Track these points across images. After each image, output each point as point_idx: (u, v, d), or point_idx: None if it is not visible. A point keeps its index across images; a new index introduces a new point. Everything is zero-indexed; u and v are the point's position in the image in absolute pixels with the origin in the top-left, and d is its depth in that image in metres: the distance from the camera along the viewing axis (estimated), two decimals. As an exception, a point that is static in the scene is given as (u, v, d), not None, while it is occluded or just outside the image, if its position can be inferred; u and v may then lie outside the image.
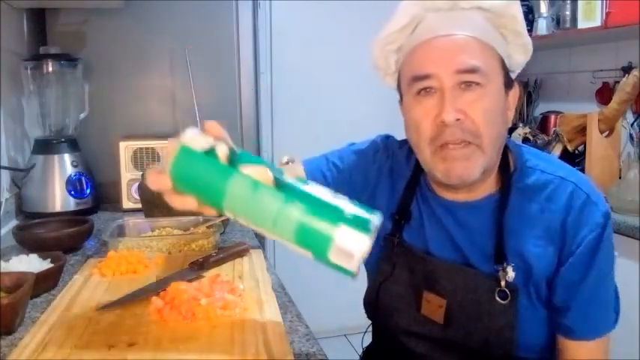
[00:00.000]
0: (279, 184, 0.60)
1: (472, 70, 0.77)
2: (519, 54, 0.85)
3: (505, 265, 0.81)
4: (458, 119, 0.77)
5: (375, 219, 0.60)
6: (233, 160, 0.62)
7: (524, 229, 0.82)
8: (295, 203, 0.59)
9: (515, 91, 0.86)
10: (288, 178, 0.61)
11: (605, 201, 0.84)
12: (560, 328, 0.84)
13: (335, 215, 0.58)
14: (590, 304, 0.81)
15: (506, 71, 0.83)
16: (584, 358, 0.82)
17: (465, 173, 0.79)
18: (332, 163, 0.97)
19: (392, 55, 0.88)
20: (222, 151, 0.62)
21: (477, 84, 0.77)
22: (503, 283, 0.80)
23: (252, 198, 0.60)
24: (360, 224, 0.58)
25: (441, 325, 0.85)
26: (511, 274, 0.80)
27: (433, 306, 0.86)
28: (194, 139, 0.63)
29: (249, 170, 0.61)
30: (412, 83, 0.81)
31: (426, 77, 0.79)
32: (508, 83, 0.83)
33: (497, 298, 0.81)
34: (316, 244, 0.59)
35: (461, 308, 0.84)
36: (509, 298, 0.81)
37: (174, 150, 0.63)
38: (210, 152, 0.62)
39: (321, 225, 0.58)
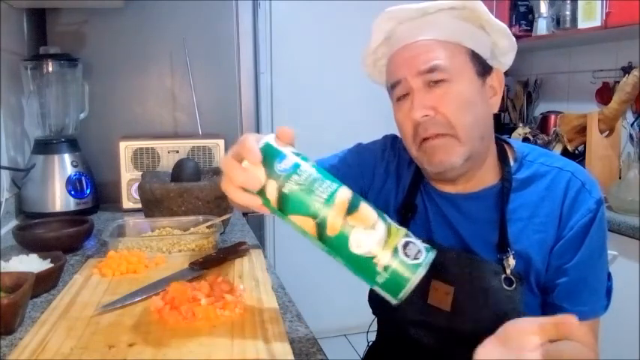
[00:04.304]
0: (322, 236, 0.63)
1: (433, 69, 0.83)
2: (501, 39, 0.89)
3: (508, 253, 0.84)
4: (426, 115, 0.82)
5: (418, 263, 0.63)
6: (281, 202, 0.63)
7: (526, 218, 0.86)
8: (336, 258, 0.64)
9: (499, 77, 0.90)
10: (328, 230, 0.62)
11: (602, 191, 0.88)
12: (548, 307, 0.87)
13: (370, 276, 0.63)
14: (577, 286, 0.84)
15: (479, 61, 0.87)
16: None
17: (444, 160, 0.84)
18: (342, 159, 1.03)
19: (385, 69, 0.94)
20: (271, 194, 0.63)
21: (443, 80, 0.83)
22: (508, 271, 0.84)
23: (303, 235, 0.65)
24: (391, 285, 0.62)
25: (447, 312, 0.87)
26: (512, 261, 0.84)
27: (440, 294, 0.88)
28: (245, 176, 0.63)
29: (296, 220, 0.63)
30: (391, 91, 0.89)
31: (397, 83, 0.86)
32: (483, 72, 0.88)
33: (504, 285, 0.84)
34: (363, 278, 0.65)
35: (468, 295, 0.86)
36: (514, 285, 0.84)
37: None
38: (261, 193, 0.63)
39: (360, 276, 0.64)
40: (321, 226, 0.62)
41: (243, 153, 0.63)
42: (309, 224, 0.62)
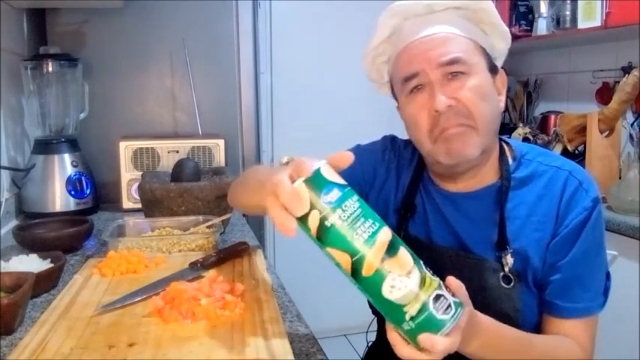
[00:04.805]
0: (356, 274, 0.62)
1: (454, 61, 0.83)
2: (500, 41, 0.90)
3: (507, 251, 0.84)
4: (450, 105, 0.82)
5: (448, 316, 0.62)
6: (321, 233, 0.61)
7: (524, 217, 0.86)
8: (365, 295, 0.64)
9: (503, 78, 0.91)
10: (364, 270, 0.61)
11: (602, 191, 0.87)
12: (543, 304, 0.87)
13: (396, 320, 0.63)
14: (570, 283, 0.84)
15: (489, 58, 0.88)
16: (565, 335, 0.84)
17: (464, 149, 0.83)
18: None
19: (383, 67, 0.95)
20: (313, 223, 0.61)
21: (462, 73, 0.83)
22: (506, 269, 0.84)
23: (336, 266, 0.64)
24: (415, 335, 0.62)
25: None
26: (510, 260, 0.84)
27: None
28: (292, 198, 0.61)
29: (333, 253, 0.61)
30: (404, 84, 0.87)
31: (414, 76, 0.85)
32: (492, 69, 0.88)
33: (502, 283, 0.84)
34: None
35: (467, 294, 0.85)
36: (513, 283, 0.84)
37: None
38: (304, 219, 0.61)
39: (386, 317, 0.65)
40: (357, 265, 0.61)
41: (298, 175, 0.62)
42: (345, 260, 0.61)
